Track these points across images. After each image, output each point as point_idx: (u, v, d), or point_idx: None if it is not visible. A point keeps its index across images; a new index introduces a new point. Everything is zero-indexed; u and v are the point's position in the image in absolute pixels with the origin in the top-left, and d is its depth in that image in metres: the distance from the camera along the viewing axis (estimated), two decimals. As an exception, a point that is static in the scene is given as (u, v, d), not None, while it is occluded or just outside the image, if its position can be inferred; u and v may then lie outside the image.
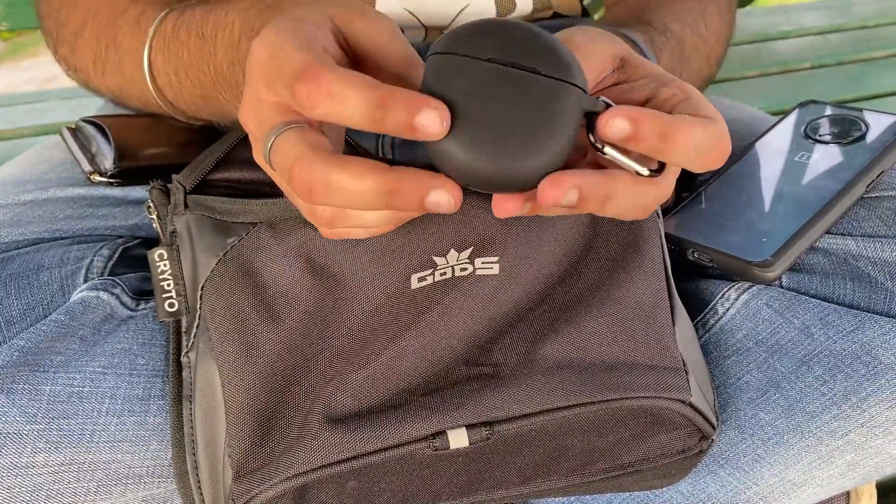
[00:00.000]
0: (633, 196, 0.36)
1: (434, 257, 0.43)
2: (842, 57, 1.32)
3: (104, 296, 0.49)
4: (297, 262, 0.44)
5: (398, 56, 0.37)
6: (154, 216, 0.48)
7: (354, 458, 0.41)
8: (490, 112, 0.33)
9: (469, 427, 0.42)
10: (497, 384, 0.43)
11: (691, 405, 0.45)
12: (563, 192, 0.33)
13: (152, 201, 0.48)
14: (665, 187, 0.37)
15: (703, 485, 0.52)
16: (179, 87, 0.54)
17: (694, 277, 0.56)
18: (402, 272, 0.43)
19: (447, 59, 0.34)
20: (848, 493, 0.62)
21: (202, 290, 0.45)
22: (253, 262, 0.44)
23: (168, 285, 0.47)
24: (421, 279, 0.43)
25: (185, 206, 0.47)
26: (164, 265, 0.47)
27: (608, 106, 0.35)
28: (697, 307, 0.54)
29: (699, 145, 0.34)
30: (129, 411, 0.47)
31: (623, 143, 0.34)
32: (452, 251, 0.43)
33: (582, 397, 0.43)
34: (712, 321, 0.53)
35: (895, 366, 0.47)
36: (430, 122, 0.32)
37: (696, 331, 0.53)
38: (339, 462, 0.41)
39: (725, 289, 0.53)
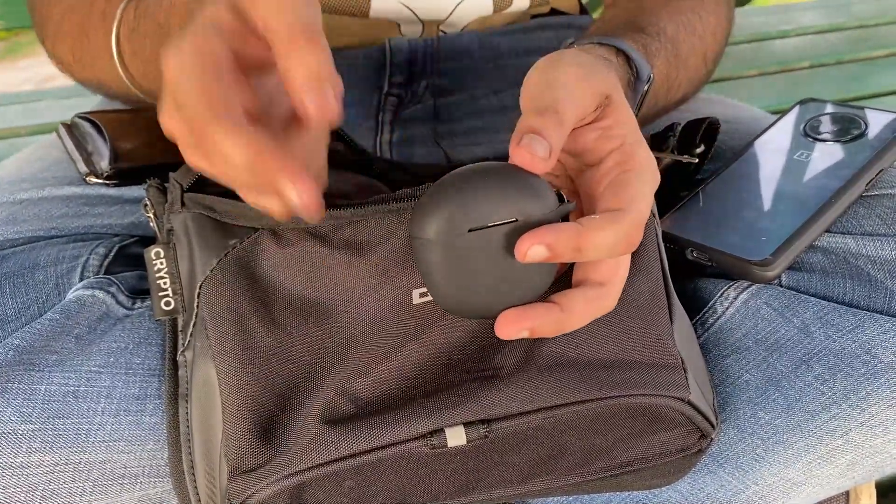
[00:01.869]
0: (589, 312, 0.40)
1: None
2: (841, 56, 1.32)
3: (100, 294, 0.49)
4: (300, 273, 0.44)
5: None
6: (151, 214, 0.48)
7: (351, 456, 0.41)
8: (472, 271, 0.38)
9: (467, 425, 0.42)
10: (495, 383, 0.43)
11: (690, 403, 0.45)
12: (516, 331, 0.38)
13: (149, 199, 0.48)
14: (615, 289, 0.41)
15: (702, 484, 0.52)
16: (146, 65, 0.54)
17: (693, 277, 0.55)
18: (403, 287, 0.44)
19: (427, 240, 0.38)
20: (847, 493, 0.62)
21: (200, 288, 0.45)
22: (254, 267, 0.44)
23: (164, 283, 0.46)
24: (423, 294, 0.44)
25: (182, 204, 0.46)
26: (161, 263, 0.46)
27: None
28: (696, 306, 0.54)
29: (609, 244, 0.38)
30: (125, 411, 0.47)
31: (545, 261, 0.37)
32: None
33: (580, 395, 0.43)
34: (711, 320, 0.53)
35: (895, 364, 0.47)
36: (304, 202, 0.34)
37: (696, 330, 0.53)
38: (335, 461, 0.41)
39: (724, 288, 0.52)
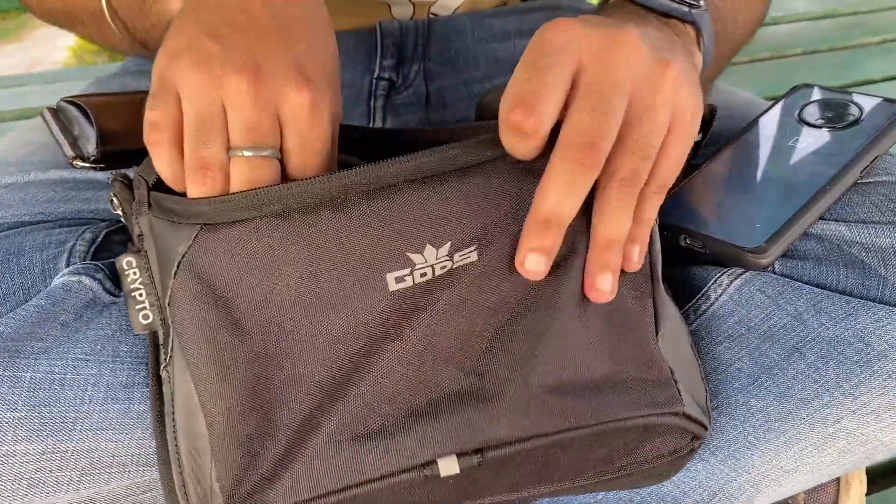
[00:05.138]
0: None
1: (409, 255, 0.40)
2: (833, 43, 1.32)
3: (86, 281, 0.48)
4: (255, 271, 0.39)
5: None
6: (120, 212, 0.44)
7: (345, 489, 0.40)
8: None
9: (459, 455, 0.41)
10: (489, 409, 0.41)
11: (684, 414, 0.45)
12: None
13: (115, 195, 0.43)
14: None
15: (693, 472, 0.52)
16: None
17: (686, 264, 0.55)
18: (376, 270, 0.40)
19: None
20: (838, 479, 0.62)
21: (168, 305, 0.41)
22: (207, 272, 0.39)
23: (140, 295, 0.42)
24: (399, 279, 0.40)
25: (149, 204, 0.41)
26: (134, 273, 0.42)
27: None
28: (689, 293, 0.53)
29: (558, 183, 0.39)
30: (112, 399, 0.46)
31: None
32: (429, 247, 0.40)
33: (575, 421, 0.42)
34: (704, 307, 0.52)
35: (888, 353, 0.47)
36: None
37: (688, 317, 0.52)
38: (327, 494, 0.40)
39: (718, 275, 0.52)
